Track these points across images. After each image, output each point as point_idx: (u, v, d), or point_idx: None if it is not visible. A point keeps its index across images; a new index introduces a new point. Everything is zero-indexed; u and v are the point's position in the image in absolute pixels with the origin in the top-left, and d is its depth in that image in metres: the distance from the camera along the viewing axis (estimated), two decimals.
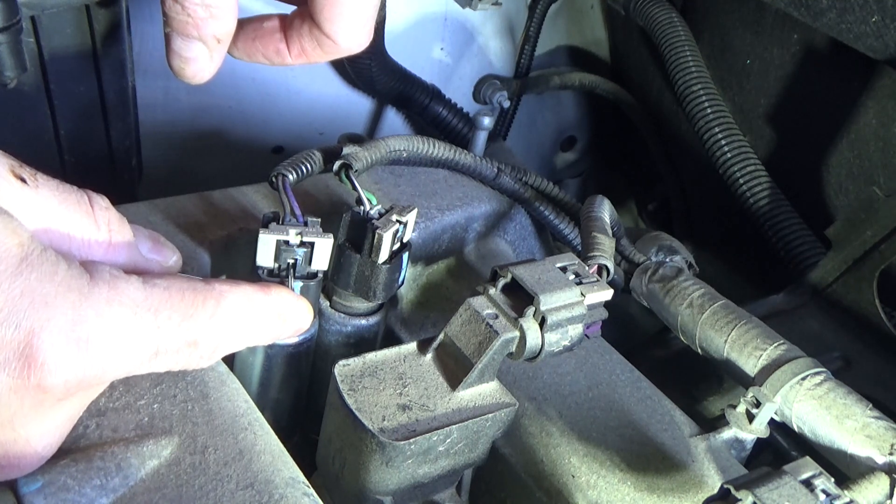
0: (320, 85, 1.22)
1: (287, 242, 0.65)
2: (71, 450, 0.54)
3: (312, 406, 0.81)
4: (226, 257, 0.78)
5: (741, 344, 0.78)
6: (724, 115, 1.21)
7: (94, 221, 0.51)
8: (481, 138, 1.09)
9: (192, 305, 0.52)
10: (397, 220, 0.71)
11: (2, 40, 0.73)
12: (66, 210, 0.50)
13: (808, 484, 0.57)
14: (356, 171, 0.80)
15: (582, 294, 0.67)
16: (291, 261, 0.66)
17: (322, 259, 0.67)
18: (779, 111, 1.22)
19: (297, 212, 0.69)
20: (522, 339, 0.64)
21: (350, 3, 0.63)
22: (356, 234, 0.72)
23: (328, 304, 0.77)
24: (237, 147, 1.21)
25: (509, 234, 0.99)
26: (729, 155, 1.19)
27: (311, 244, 0.66)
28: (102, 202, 0.52)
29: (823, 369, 0.75)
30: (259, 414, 0.62)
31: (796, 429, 0.74)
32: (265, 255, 0.65)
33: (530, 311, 0.64)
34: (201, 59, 0.64)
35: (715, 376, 1.00)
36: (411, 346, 0.68)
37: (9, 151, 0.50)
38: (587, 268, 0.71)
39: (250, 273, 0.67)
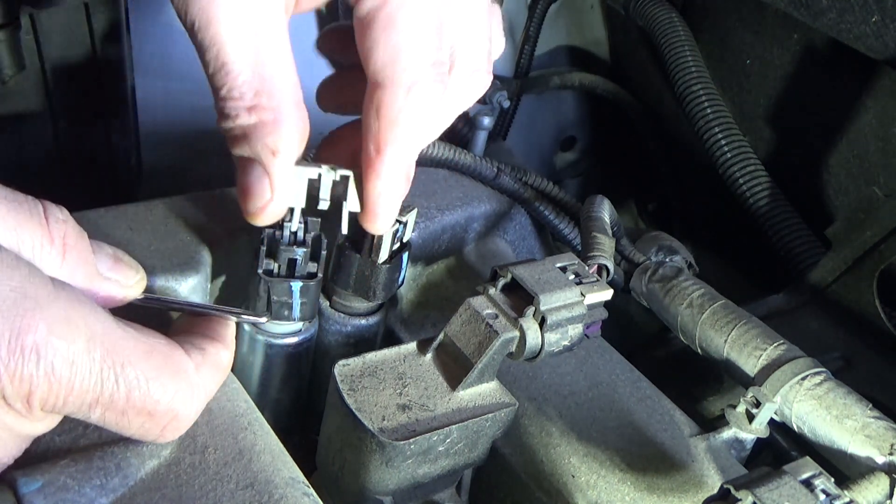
0: None
1: (319, 178, 0.59)
2: (71, 450, 0.54)
3: (312, 406, 0.81)
4: (226, 257, 0.78)
5: (741, 344, 0.78)
6: (724, 115, 1.21)
7: (47, 234, 0.47)
8: (481, 138, 1.09)
9: (158, 369, 0.48)
10: (397, 220, 0.71)
11: (0, 38, 0.73)
12: (15, 219, 0.46)
13: (808, 484, 0.57)
14: None
15: (582, 294, 0.67)
16: (291, 259, 0.66)
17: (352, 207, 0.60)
18: (779, 111, 1.22)
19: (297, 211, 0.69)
20: (522, 339, 0.64)
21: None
22: (356, 234, 0.72)
23: (328, 304, 0.77)
24: None
25: (509, 234, 0.99)
26: (729, 155, 1.19)
27: (346, 178, 0.59)
28: (60, 214, 0.48)
29: (823, 369, 0.75)
30: (259, 414, 0.62)
31: (796, 429, 0.74)
32: (296, 194, 0.58)
33: (530, 310, 0.64)
34: (257, 186, 0.54)
35: (715, 376, 1.00)
36: (411, 346, 0.68)
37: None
38: (587, 268, 0.71)
39: (251, 273, 0.67)
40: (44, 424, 0.47)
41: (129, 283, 0.52)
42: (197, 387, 0.50)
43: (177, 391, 0.49)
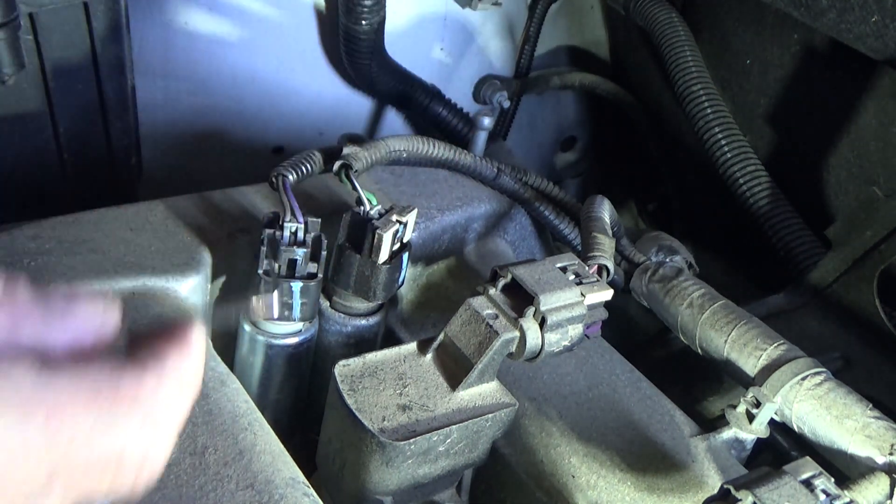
0: (320, 85, 1.22)
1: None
2: None
3: (312, 406, 0.81)
4: (226, 257, 0.78)
5: (741, 344, 0.78)
6: (724, 115, 1.21)
7: None
8: (481, 138, 1.09)
9: (108, 412, 0.37)
10: (397, 221, 0.71)
11: (0, 37, 0.73)
12: None
13: (808, 484, 0.57)
14: (356, 171, 0.80)
15: (582, 294, 0.67)
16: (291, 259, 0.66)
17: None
18: (779, 111, 1.22)
19: (298, 212, 0.69)
20: (522, 339, 0.64)
21: None
22: (356, 235, 0.72)
23: (328, 304, 0.77)
24: (237, 147, 1.20)
25: (509, 234, 0.99)
26: (729, 155, 1.19)
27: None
28: None
29: (823, 369, 0.75)
30: (259, 414, 0.62)
31: (796, 429, 0.74)
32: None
33: (530, 311, 0.64)
34: None
35: (715, 376, 1.00)
36: (411, 346, 0.68)
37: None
38: (587, 268, 0.71)
39: (251, 274, 0.67)
40: None
41: (97, 310, 0.41)
42: (158, 414, 0.41)
43: (137, 429, 0.40)
